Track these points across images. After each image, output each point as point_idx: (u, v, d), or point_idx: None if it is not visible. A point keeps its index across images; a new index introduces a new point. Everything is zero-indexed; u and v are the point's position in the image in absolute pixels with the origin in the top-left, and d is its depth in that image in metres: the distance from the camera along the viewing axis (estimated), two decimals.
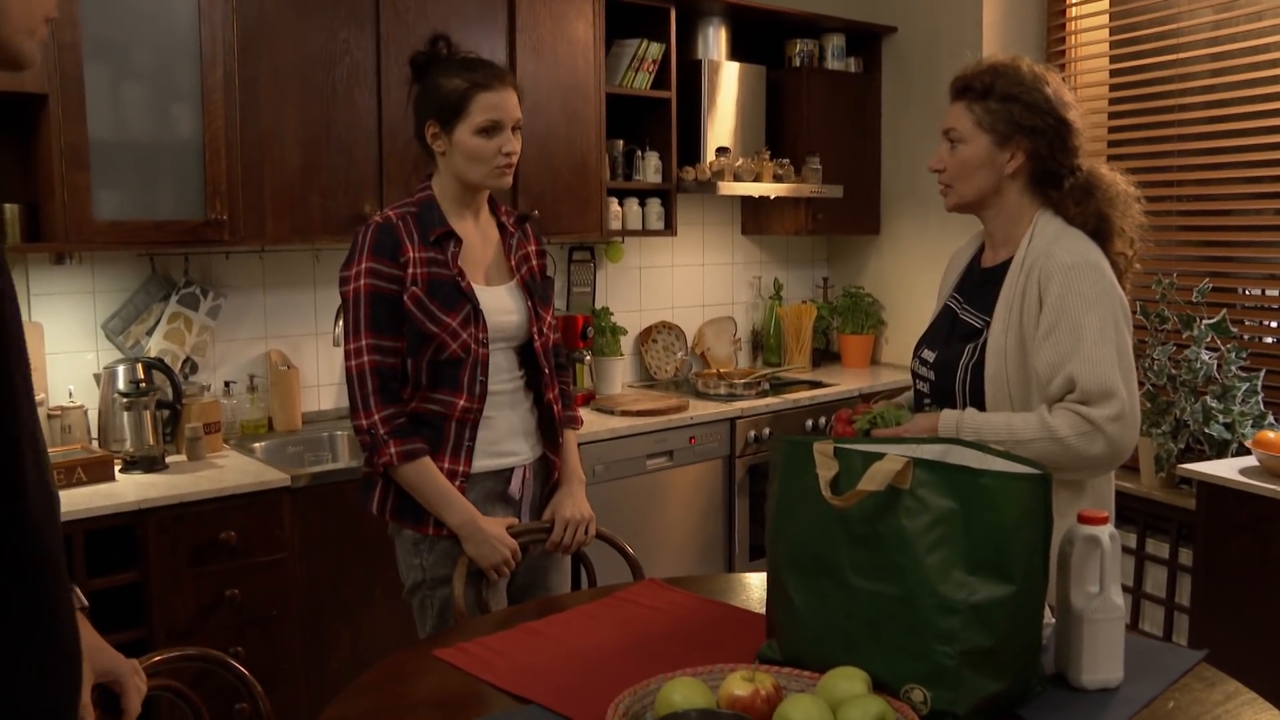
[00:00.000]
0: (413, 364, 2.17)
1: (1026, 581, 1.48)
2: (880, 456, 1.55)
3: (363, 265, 2.15)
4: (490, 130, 2.17)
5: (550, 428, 2.35)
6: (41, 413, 2.82)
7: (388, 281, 2.14)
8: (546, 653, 1.76)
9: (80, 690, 1.13)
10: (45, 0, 1.13)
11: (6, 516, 1.02)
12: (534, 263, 2.37)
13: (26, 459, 1.03)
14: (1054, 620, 1.66)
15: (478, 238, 2.28)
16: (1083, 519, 1.61)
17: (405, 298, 2.14)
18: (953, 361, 2.02)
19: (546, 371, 2.33)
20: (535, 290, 2.32)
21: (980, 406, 1.99)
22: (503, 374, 2.26)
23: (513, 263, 2.31)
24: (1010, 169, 2.00)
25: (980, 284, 2.08)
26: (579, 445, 3.43)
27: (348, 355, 2.17)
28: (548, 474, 2.37)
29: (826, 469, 1.59)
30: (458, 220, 2.24)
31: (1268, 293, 3.79)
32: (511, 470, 2.29)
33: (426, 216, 2.20)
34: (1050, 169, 2.02)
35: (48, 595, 1.05)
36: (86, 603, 1.43)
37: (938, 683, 1.47)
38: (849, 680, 1.47)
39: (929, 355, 2.10)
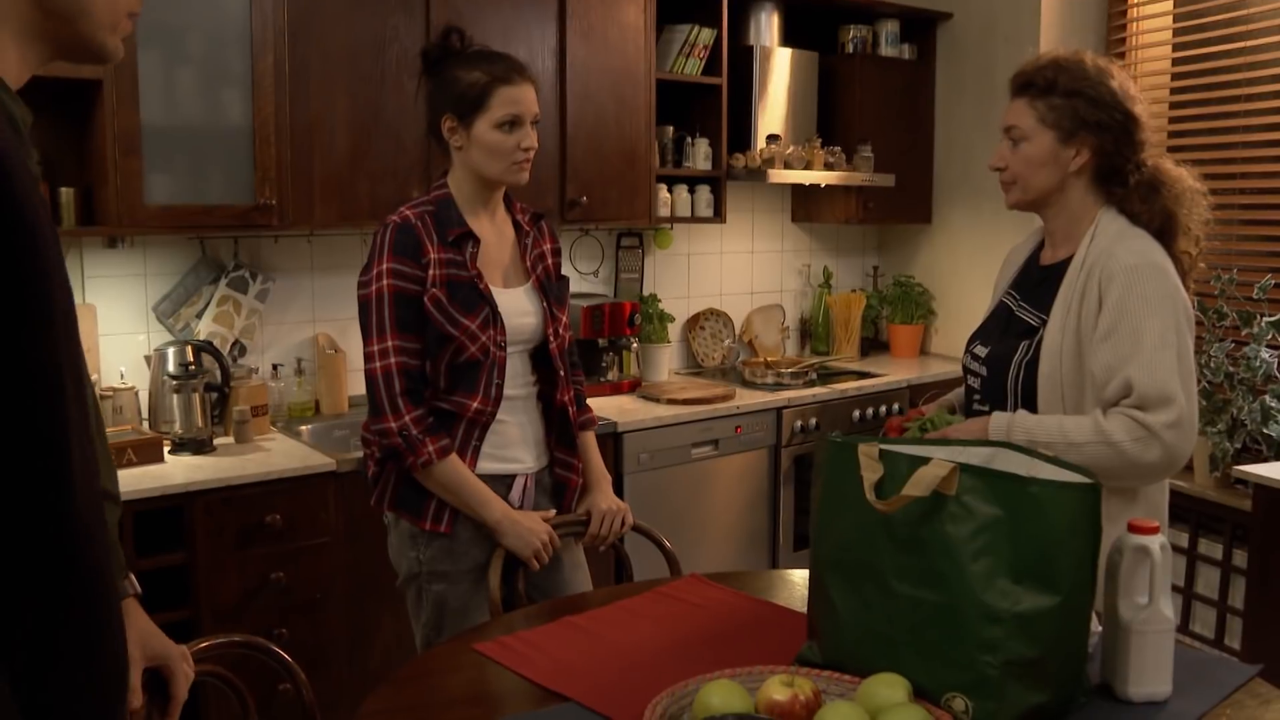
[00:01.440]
0: (431, 366, 2.14)
1: (1073, 592, 1.44)
2: (926, 460, 1.52)
3: (385, 265, 2.11)
4: (510, 125, 2.14)
5: (563, 432, 2.32)
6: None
7: (411, 282, 2.11)
8: (585, 649, 1.76)
9: (124, 698, 1.10)
10: None
11: (51, 518, 0.97)
12: (549, 261, 2.34)
13: (74, 459, 0.98)
14: (1100, 629, 1.63)
15: (494, 237, 2.25)
16: (1133, 528, 1.58)
17: (425, 299, 2.11)
18: (1006, 358, 1.98)
19: (561, 374, 2.30)
20: (550, 291, 2.29)
21: (1031, 406, 1.95)
22: (518, 378, 2.24)
23: (528, 263, 2.28)
24: (1075, 166, 1.96)
25: (1038, 282, 2.04)
26: (625, 435, 3.46)
27: (371, 357, 2.12)
28: (553, 487, 2.34)
29: (871, 472, 1.57)
30: (474, 219, 2.20)
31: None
32: (514, 477, 2.25)
33: (444, 216, 2.17)
34: (1115, 165, 1.97)
35: (96, 603, 1.02)
36: (139, 589, 1.45)
37: (980, 693, 1.44)
38: (890, 687, 1.45)
39: (981, 351, 2.07)
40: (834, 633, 1.61)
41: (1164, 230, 1.95)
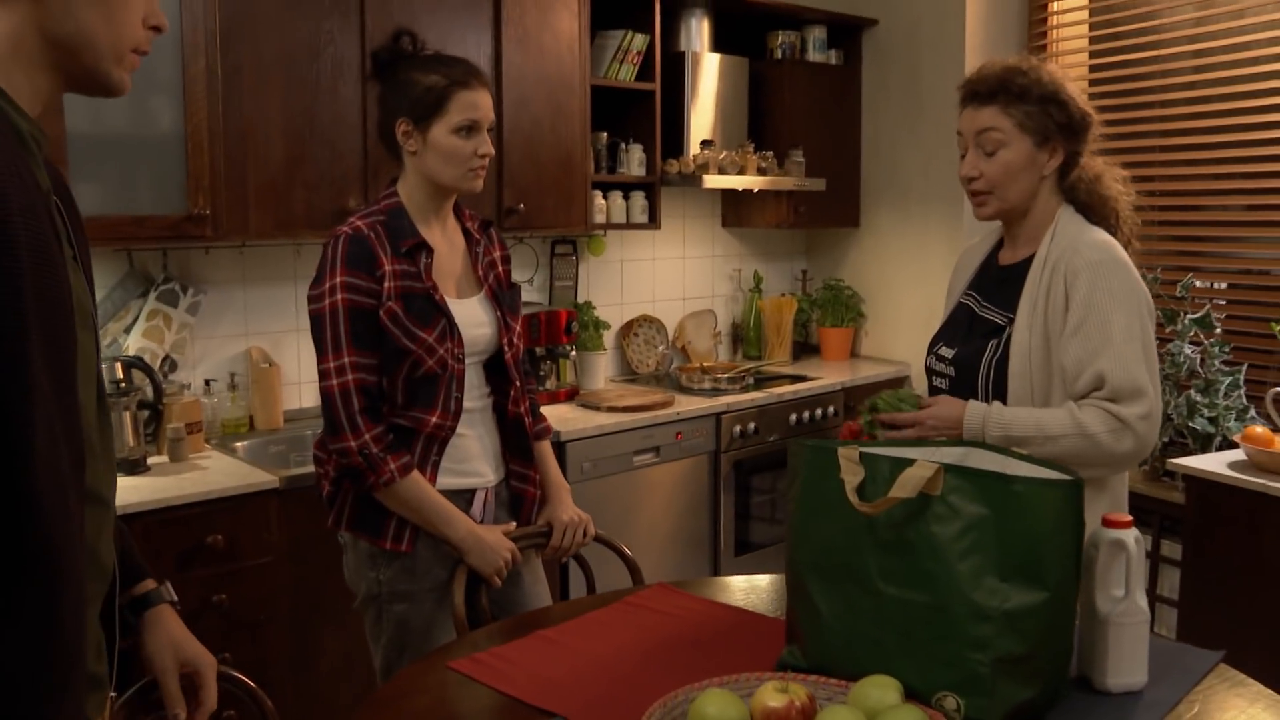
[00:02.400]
0: (388, 381, 2.08)
1: (1059, 588, 1.47)
2: (909, 462, 1.53)
3: (338, 279, 2.04)
4: (468, 130, 2.10)
5: (516, 443, 2.28)
6: None
7: (365, 296, 2.04)
8: (564, 662, 1.73)
9: (79, 688, 1.14)
10: (135, 31, 1.17)
11: (8, 511, 1.02)
12: (500, 269, 2.30)
13: (40, 449, 1.03)
14: (1077, 623, 1.66)
15: (446, 247, 2.20)
16: (1108, 523, 1.61)
17: (381, 313, 2.05)
18: (975, 357, 2.01)
19: (517, 384, 2.27)
20: (503, 300, 2.25)
21: (1002, 402, 1.98)
22: (474, 390, 2.20)
23: (480, 271, 2.24)
24: (1049, 169, 2.00)
25: (1000, 281, 2.07)
26: (568, 444, 3.43)
27: (327, 374, 2.05)
28: (511, 499, 2.30)
29: (852, 475, 1.57)
30: (426, 228, 2.15)
31: (1217, 285, 3.82)
32: (474, 492, 2.21)
33: (395, 226, 2.11)
34: (1075, 163, 2.03)
35: (51, 594, 1.06)
36: (175, 597, 1.49)
37: (971, 690, 1.46)
38: (881, 689, 1.45)
39: (947, 352, 2.09)
40: (818, 636, 1.61)
41: (1110, 222, 2.02)
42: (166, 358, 3.19)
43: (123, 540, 1.44)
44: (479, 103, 2.11)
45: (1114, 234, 2.03)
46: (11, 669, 1.04)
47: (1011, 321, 1.99)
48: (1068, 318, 1.92)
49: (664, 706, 1.46)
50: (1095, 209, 2.04)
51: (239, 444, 3.22)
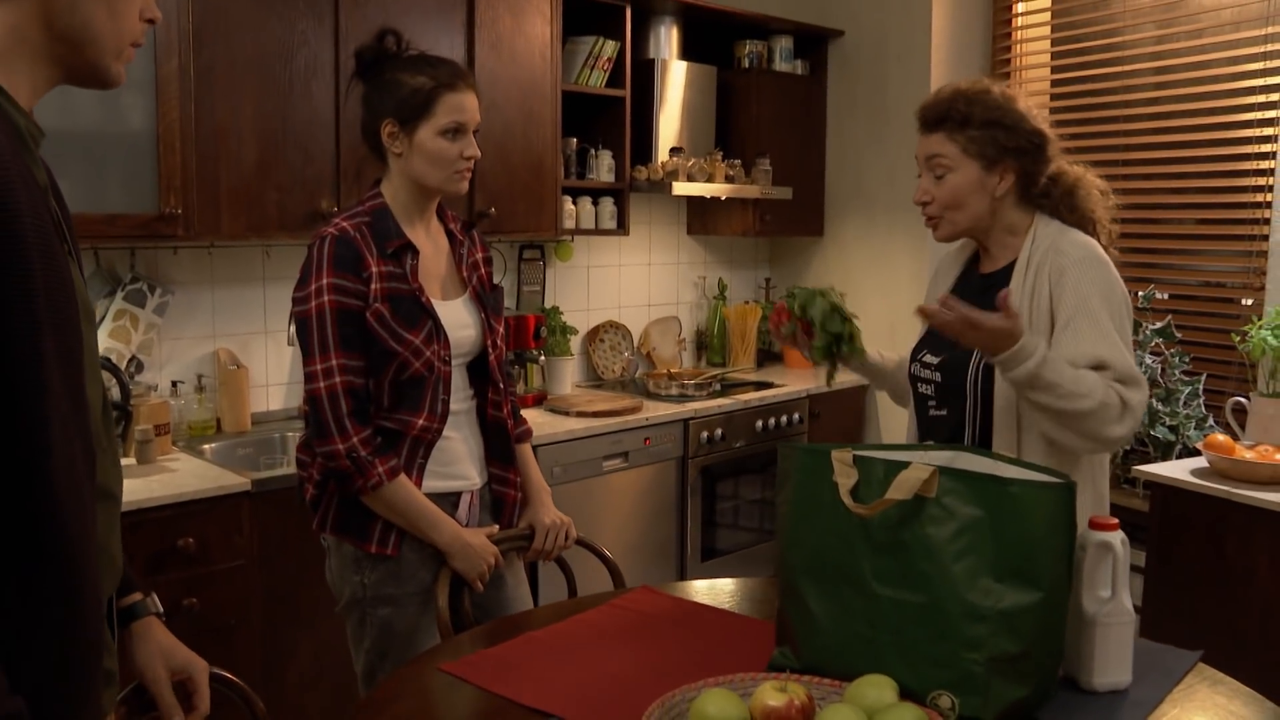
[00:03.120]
0: (374, 383, 2.07)
1: (1053, 588, 1.49)
2: (903, 465, 1.55)
3: (325, 281, 2.01)
4: (454, 132, 2.09)
5: (498, 446, 2.27)
6: None
7: (353, 297, 2.02)
8: (557, 664, 1.73)
9: (96, 679, 1.16)
10: (133, 26, 1.18)
11: (27, 509, 1.03)
12: (482, 271, 2.29)
13: (56, 447, 1.03)
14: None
15: (431, 248, 2.18)
16: (1094, 525, 1.64)
17: (368, 315, 2.03)
18: (963, 362, 2.03)
19: (502, 385, 2.27)
20: (487, 301, 2.24)
21: (990, 405, 2.00)
22: (459, 392, 2.18)
23: (464, 273, 2.23)
24: (1001, 190, 2.03)
25: (983, 289, 2.10)
26: (538, 448, 3.43)
27: (314, 376, 2.02)
28: (494, 503, 2.29)
29: (846, 477, 1.59)
30: (410, 229, 2.13)
31: (1158, 295, 3.90)
32: (460, 495, 2.20)
33: (381, 227, 2.08)
34: (1035, 180, 2.07)
35: (70, 590, 1.07)
36: (160, 608, 1.49)
37: (965, 689, 1.48)
38: (878, 688, 1.47)
39: (932, 359, 2.11)
40: (811, 638, 1.62)
41: (1089, 230, 2.06)
42: (133, 358, 3.14)
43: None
44: (466, 105, 2.10)
45: (1097, 239, 2.08)
46: (38, 667, 1.05)
47: None
48: (1057, 314, 1.95)
49: (662, 706, 1.46)
50: (1074, 219, 2.08)
51: (206, 446, 3.18)
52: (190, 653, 1.49)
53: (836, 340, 2.07)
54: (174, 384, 3.24)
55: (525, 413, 3.72)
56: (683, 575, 3.97)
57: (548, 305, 4.21)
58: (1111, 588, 1.63)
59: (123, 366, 3.08)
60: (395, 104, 2.08)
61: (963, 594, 1.49)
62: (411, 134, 2.08)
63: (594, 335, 4.45)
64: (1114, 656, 1.63)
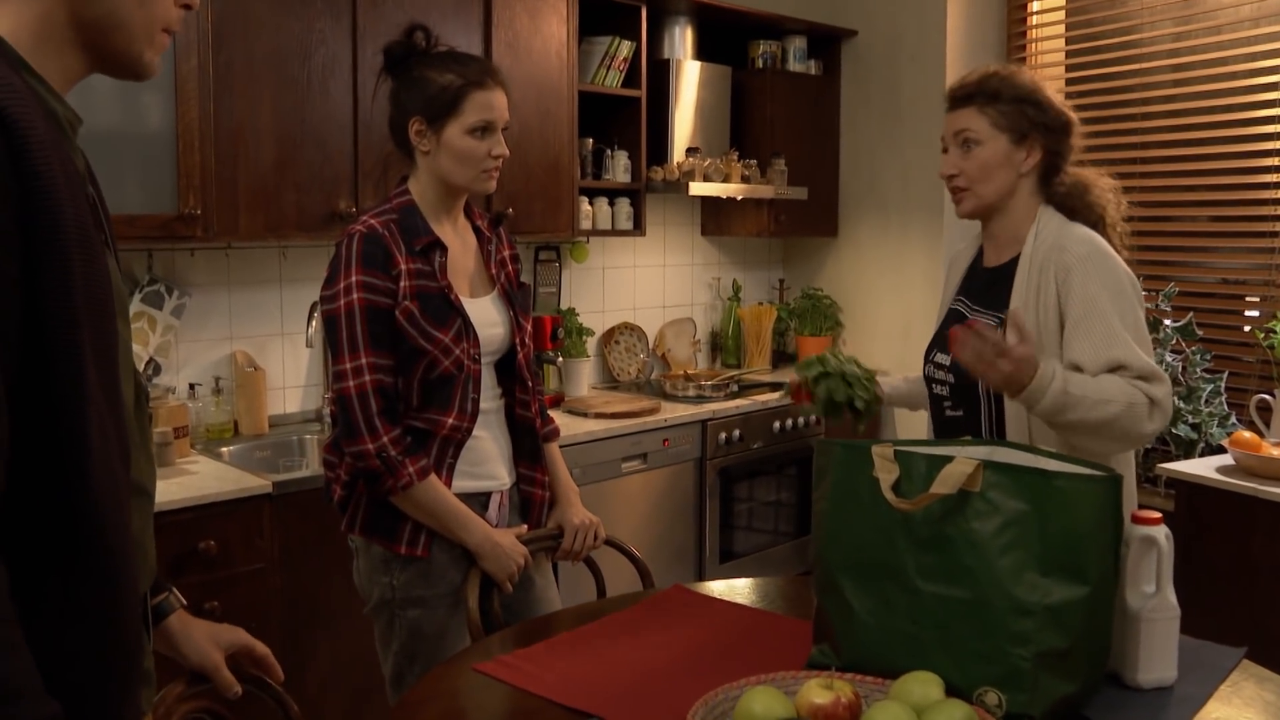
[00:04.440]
0: (404, 382, 2.05)
1: (1100, 583, 1.48)
2: (946, 459, 1.53)
3: (354, 278, 1.99)
4: (482, 131, 2.06)
5: (527, 446, 2.25)
6: None
7: (382, 295, 2.00)
8: (592, 663, 1.71)
9: (137, 683, 1.16)
10: (167, 11, 1.15)
11: (66, 506, 1.01)
12: (510, 268, 2.27)
13: (94, 443, 1.02)
14: None
15: (459, 245, 2.16)
16: (1137, 520, 1.62)
17: (398, 313, 2.01)
18: None
19: (530, 384, 2.25)
20: (515, 298, 2.22)
21: (1001, 404, 1.99)
22: (488, 391, 2.16)
23: (492, 270, 2.21)
24: (1027, 166, 2.03)
25: (988, 284, 2.09)
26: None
27: (343, 375, 1.99)
28: (522, 503, 2.27)
29: (887, 472, 1.58)
30: (438, 226, 2.11)
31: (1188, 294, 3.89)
32: (490, 495, 2.17)
33: (409, 224, 2.07)
34: (1057, 166, 2.07)
35: (110, 588, 1.06)
36: (185, 601, 1.48)
37: (1012, 685, 1.46)
38: (924, 685, 1.44)
39: (944, 359, 2.09)
40: (852, 635, 1.60)
41: (1096, 227, 2.05)
42: (150, 360, 3.13)
43: None
44: (494, 103, 2.08)
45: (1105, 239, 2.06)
46: (78, 665, 1.03)
47: (1003, 323, 2.00)
48: (1065, 314, 1.93)
49: (706, 705, 1.44)
50: (1082, 215, 2.06)
51: (225, 449, 3.16)
52: (232, 627, 1.50)
53: (851, 405, 2.07)
54: (191, 386, 3.22)
55: None
56: (701, 577, 3.95)
57: (563, 307, 4.20)
58: (1156, 583, 1.61)
59: (140, 368, 3.06)
60: (423, 102, 2.06)
61: (1009, 589, 1.46)
62: (439, 132, 2.06)
63: (609, 337, 4.43)
64: (1159, 653, 1.61)
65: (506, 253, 2.28)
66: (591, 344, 4.31)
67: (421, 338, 2.02)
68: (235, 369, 3.32)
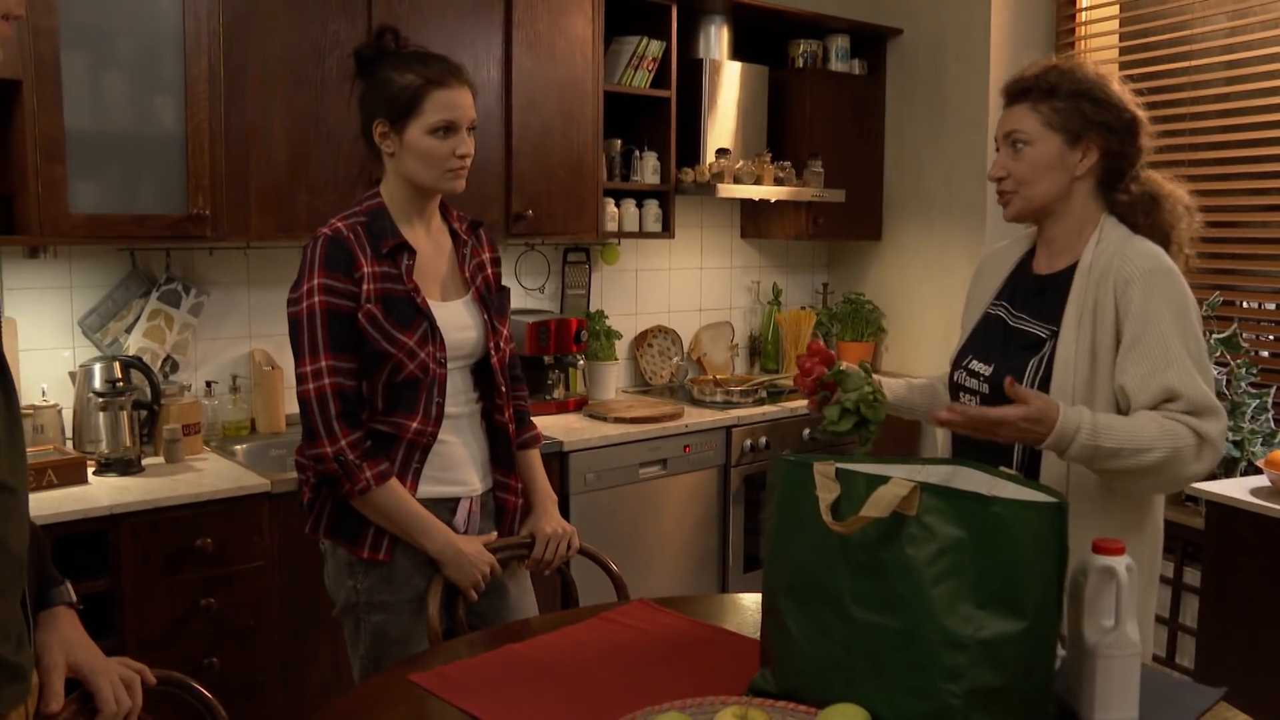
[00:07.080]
0: (367, 386, 2.03)
1: (1039, 616, 1.38)
2: (884, 479, 1.46)
3: (315, 281, 1.99)
4: (444, 130, 2.03)
5: (503, 452, 2.22)
6: None
7: (343, 298, 1.99)
8: (528, 679, 1.67)
9: None
10: None
11: None
12: (489, 271, 2.23)
13: None
14: (1065, 654, 1.57)
15: (430, 248, 2.13)
16: (1098, 549, 1.52)
17: (360, 315, 1.99)
18: (1016, 374, 1.89)
19: (503, 389, 2.21)
20: (491, 303, 2.19)
21: None
22: (459, 395, 2.13)
23: (467, 273, 2.18)
24: (1082, 169, 1.91)
25: (1037, 292, 1.97)
26: (571, 454, 3.38)
27: (304, 378, 1.99)
28: (497, 510, 2.23)
29: (827, 491, 1.50)
30: (409, 229, 2.09)
31: (1265, 306, 3.70)
32: (459, 500, 2.14)
33: (376, 227, 2.05)
34: (1120, 169, 1.93)
35: None
36: (74, 598, 1.46)
37: None
38: (848, 718, 1.38)
39: (981, 367, 1.98)
40: (789, 660, 1.54)
41: (1160, 244, 1.92)
42: (168, 358, 3.17)
43: (38, 549, 1.41)
44: (456, 102, 2.04)
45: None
46: None
47: (1054, 335, 1.89)
48: (1122, 331, 1.82)
49: None
50: (1145, 229, 1.92)
51: (239, 447, 3.19)
52: (98, 655, 1.43)
53: (861, 421, 1.94)
54: (208, 384, 3.26)
55: (565, 418, 3.72)
56: (724, 586, 3.89)
57: (593, 309, 4.16)
58: (1115, 617, 1.51)
59: (156, 366, 3.10)
60: (385, 103, 2.04)
61: (941, 620, 1.38)
62: (401, 133, 2.04)
63: (642, 340, 4.39)
64: (1117, 691, 1.51)
65: (486, 255, 2.25)
66: (622, 347, 4.27)
67: (384, 340, 2.00)
68: (253, 367, 3.35)
